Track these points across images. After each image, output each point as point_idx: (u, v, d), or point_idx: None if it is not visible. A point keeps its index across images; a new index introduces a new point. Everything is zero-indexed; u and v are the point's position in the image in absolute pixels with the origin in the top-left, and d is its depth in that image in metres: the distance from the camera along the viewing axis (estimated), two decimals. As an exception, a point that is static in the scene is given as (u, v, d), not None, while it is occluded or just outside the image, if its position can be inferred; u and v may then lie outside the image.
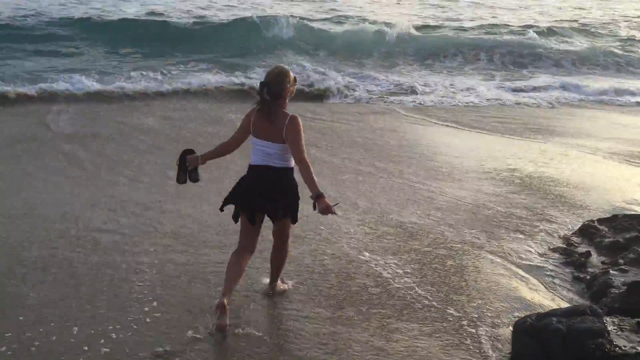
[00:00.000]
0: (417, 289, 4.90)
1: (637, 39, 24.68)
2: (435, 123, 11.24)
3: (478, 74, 16.65)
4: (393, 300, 4.71)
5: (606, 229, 6.05)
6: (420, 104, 12.92)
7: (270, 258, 4.55)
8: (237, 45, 16.45)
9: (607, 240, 5.77)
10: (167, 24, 18.05)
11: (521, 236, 6.08)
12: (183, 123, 10.14)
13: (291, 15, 19.45)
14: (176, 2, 24.58)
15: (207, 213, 6.15)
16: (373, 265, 5.28)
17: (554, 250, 5.79)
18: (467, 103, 13.37)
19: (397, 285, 4.94)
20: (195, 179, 4.40)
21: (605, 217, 6.46)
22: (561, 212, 6.79)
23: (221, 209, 4.35)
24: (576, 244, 5.86)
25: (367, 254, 5.50)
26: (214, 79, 13.13)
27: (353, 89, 13.45)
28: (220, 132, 8.99)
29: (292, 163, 4.13)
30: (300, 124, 4.07)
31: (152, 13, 20.29)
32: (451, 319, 4.48)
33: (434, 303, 4.69)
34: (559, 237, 6.13)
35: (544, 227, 6.34)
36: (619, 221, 6.13)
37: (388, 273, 5.14)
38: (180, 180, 4.43)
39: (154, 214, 6.20)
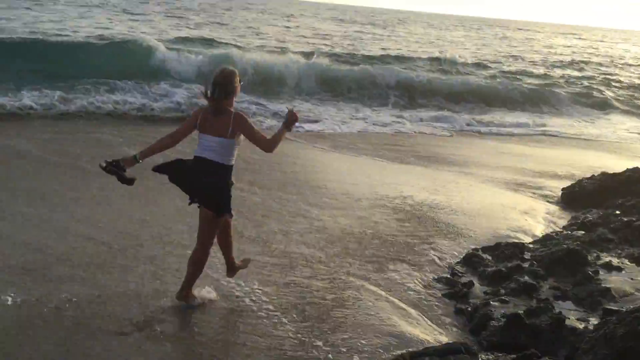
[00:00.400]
0: (288, 325, 4.52)
1: (527, 73, 26.40)
2: (329, 150, 11.08)
3: (376, 103, 16.94)
4: (263, 338, 4.30)
5: (489, 258, 5.99)
6: (317, 131, 12.82)
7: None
8: (110, 68, 15.24)
9: (489, 269, 5.68)
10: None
11: (406, 266, 5.88)
12: (58, 145, 9.31)
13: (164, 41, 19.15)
14: (57, 23, 23.62)
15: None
16: (246, 299, 4.85)
17: (438, 280, 5.63)
18: (361, 130, 13.49)
19: (267, 320, 4.54)
20: (129, 180, 4.31)
21: (489, 245, 6.43)
22: (448, 240, 6.70)
23: (155, 170, 4.42)
24: (460, 274, 5.73)
25: (242, 283, 5.07)
26: (89, 100, 12.48)
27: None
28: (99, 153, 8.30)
29: (231, 162, 4.38)
30: (247, 117, 4.39)
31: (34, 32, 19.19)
32: (322, 356, 4.13)
33: (306, 339, 4.33)
34: (445, 266, 6.00)
35: (430, 256, 6.20)
36: (501, 249, 6.10)
37: (260, 306, 4.73)
38: (124, 180, 4.30)
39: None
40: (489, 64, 28.15)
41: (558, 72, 28.24)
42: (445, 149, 12.24)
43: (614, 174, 8.71)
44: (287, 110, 4.54)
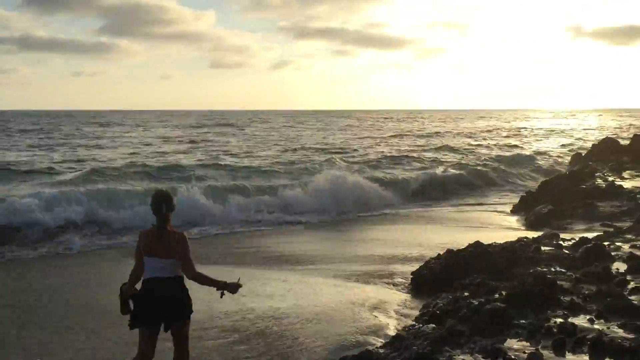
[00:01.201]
0: None
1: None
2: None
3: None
4: None
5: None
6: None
7: None
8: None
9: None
10: None
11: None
12: None
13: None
14: None
15: None
16: None
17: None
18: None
19: None
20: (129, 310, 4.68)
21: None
22: (292, 353, 5.82)
23: (131, 328, 4.65)
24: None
25: None
26: None
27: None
28: None
29: (180, 272, 4.62)
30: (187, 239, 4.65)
31: None
32: None
33: None
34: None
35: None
36: (347, 365, 5.29)
37: None
38: (125, 311, 4.69)
39: None
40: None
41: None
42: (291, 245, 11.59)
43: (458, 251, 8.49)
44: (235, 283, 4.66)
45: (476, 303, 6.16)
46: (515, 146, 36.74)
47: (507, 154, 30.90)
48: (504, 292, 6.33)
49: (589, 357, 4.84)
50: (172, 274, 4.57)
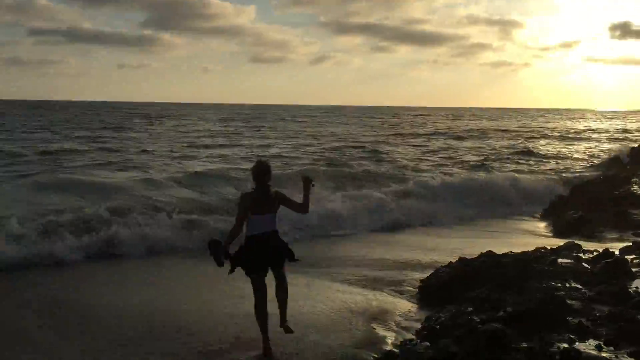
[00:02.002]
0: None
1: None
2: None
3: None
4: None
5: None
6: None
7: (279, 297, 5.78)
8: None
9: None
10: None
11: None
12: None
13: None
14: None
15: None
16: None
17: None
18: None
19: None
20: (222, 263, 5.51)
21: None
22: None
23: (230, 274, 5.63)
24: None
25: None
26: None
27: None
28: None
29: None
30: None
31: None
32: None
33: None
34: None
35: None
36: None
37: None
38: (221, 263, 5.50)
39: None
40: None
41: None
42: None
43: (470, 260, 8.01)
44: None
45: (477, 320, 5.72)
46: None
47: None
48: (509, 309, 5.87)
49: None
50: (275, 227, 5.63)
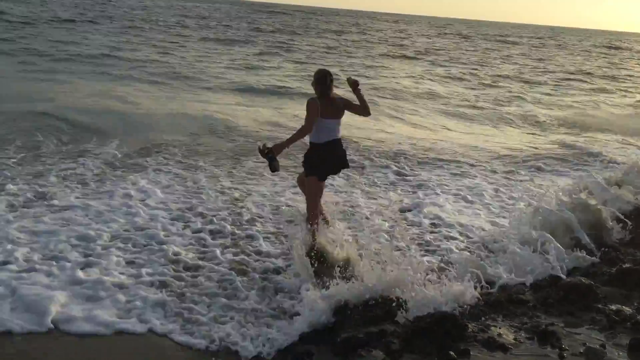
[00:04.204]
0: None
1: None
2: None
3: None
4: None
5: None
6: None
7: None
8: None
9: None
10: None
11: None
12: None
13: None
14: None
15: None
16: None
17: None
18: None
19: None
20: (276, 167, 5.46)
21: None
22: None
23: (307, 175, 5.77)
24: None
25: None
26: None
27: None
28: None
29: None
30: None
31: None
32: None
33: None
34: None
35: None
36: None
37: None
38: (275, 168, 5.44)
39: None
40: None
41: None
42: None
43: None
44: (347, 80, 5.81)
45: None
46: None
47: None
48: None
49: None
50: (340, 135, 5.75)
